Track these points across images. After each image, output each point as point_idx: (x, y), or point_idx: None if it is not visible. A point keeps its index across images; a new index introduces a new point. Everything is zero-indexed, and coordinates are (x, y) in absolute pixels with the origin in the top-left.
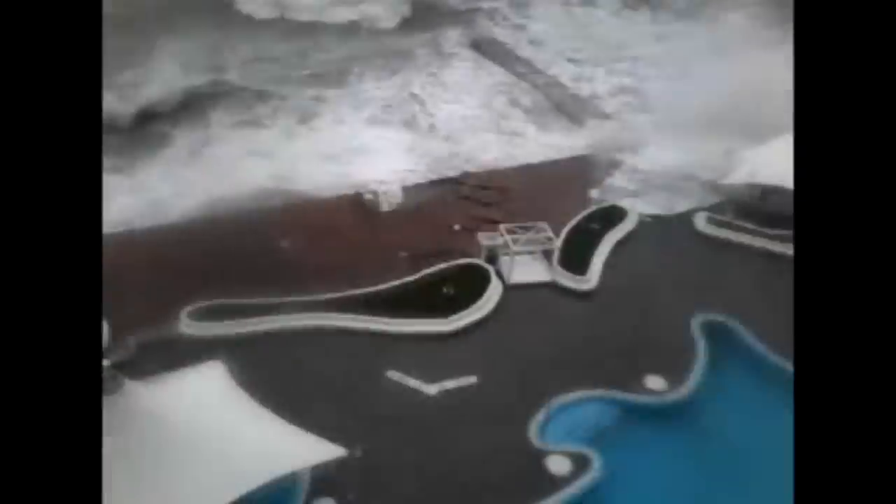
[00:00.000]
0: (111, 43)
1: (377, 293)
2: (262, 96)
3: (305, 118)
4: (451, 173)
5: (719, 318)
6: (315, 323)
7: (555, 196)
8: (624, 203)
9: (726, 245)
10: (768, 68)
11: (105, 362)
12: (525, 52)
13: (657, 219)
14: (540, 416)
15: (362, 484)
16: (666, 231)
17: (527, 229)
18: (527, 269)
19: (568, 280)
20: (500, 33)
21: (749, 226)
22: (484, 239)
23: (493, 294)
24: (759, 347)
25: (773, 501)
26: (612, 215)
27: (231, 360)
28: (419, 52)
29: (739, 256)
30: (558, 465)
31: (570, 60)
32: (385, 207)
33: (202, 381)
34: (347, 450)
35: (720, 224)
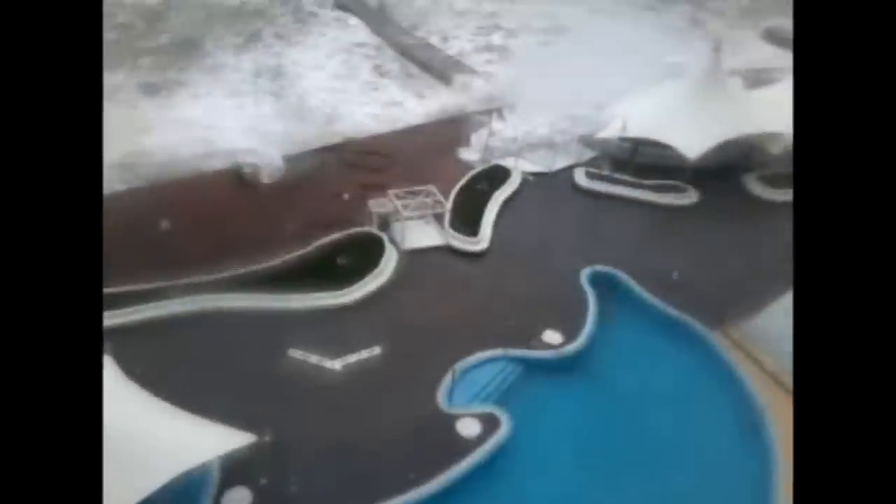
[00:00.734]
0: None
1: (269, 269)
2: (109, 68)
3: (159, 90)
4: (330, 141)
5: (606, 269)
6: (206, 306)
7: (437, 159)
8: (507, 162)
9: (606, 198)
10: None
11: None
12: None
13: (539, 176)
14: (446, 381)
15: (275, 468)
16: (549, 188)
17: (416, 194)
18: (419, 234)
19: (460, 242)
20: None
21: (626, 178)
22: (374, 206)
23: (388, 262)
24: (644, 294)
25: (667, 436)
26: (496, 175)
27: (119, 353)
28: (279, 12)
29: (618, 208)
30: (469, 427)
31: (436, 17)
32: (266, 180)
33: None
34: (256, 435)
35: (599, 178)
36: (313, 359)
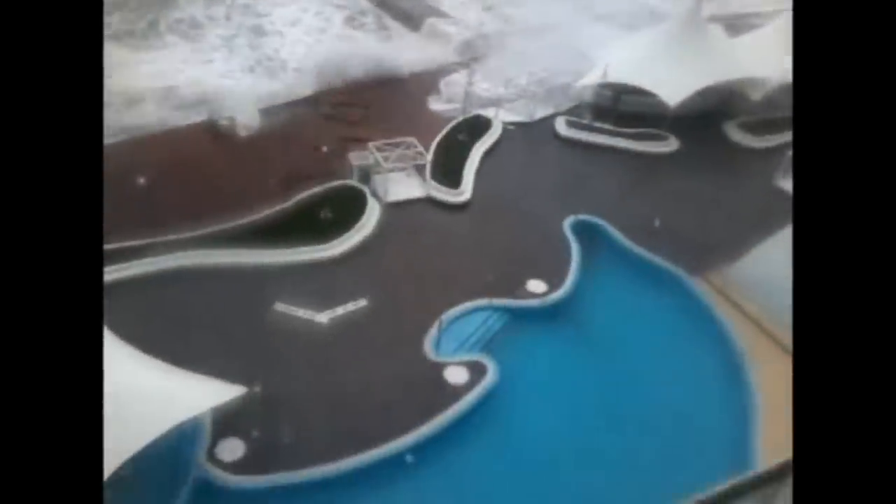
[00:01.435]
0: None
1: (250, 224)
2: None
3: (128, 43)
4: (305, 93)
5: (588, 217)
6: (190, 262)
7: (416, 110)
8: (487, 112)
9: (587, 146)
10: None
11: None
12: None
13: (520, 126)
14: (433, 331)
15: (266, 419)
16: (529, 138)
17: (396, 146)
18: (401, 186)
19: (443, 193)
20: None
21: (606, 126)
22: (355, 159)
23: (371, 214)
24: (625, 242)
25: (650, 380)
26: (477, 126)
27: (105, 311)
28: None
29: (599, 156)
30: (456, 375)
31: None
32: (243, 133)
33: None
34: (246, 388)
35: (580, 127)
36: (300, 312)
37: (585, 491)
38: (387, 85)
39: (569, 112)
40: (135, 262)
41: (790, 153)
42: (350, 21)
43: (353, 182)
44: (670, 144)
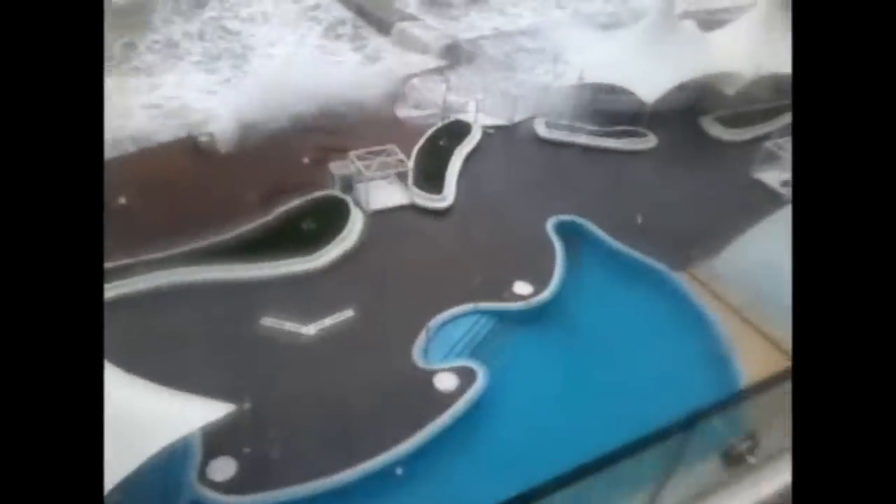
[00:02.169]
0: None
1: (233, 239)
2: None
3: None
4: (286, 106)
5: (571, 217)
6: (173, 280)
7: (395, 117)
8: (467, 117)
9: (567, 147)
10: None
11: None
12: None
13: (500, 129)
14: (421, 339)
15: (257, 436)
16: (510, 140)
17: (377, 154)
18: (384, 194)
19: (425, 200)
20: None
21: (585, 126)
22: (336, 168)
23: (355, 224)
24: (609, 240)
25: (639, 376)
26: (456, 130)
27: None
28: None
29: (580, 156)
30: (446, 381)
31: None
32: (222, 148)
33: None
34: (235, 405)
35: (559, 127)
36: (287, 325)
37: (578, 494)
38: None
39: (548, 113)
40: (118, 283)
41: (767, 144)
42: (327, 32)
43: (336, 192)
44: (649, 141)
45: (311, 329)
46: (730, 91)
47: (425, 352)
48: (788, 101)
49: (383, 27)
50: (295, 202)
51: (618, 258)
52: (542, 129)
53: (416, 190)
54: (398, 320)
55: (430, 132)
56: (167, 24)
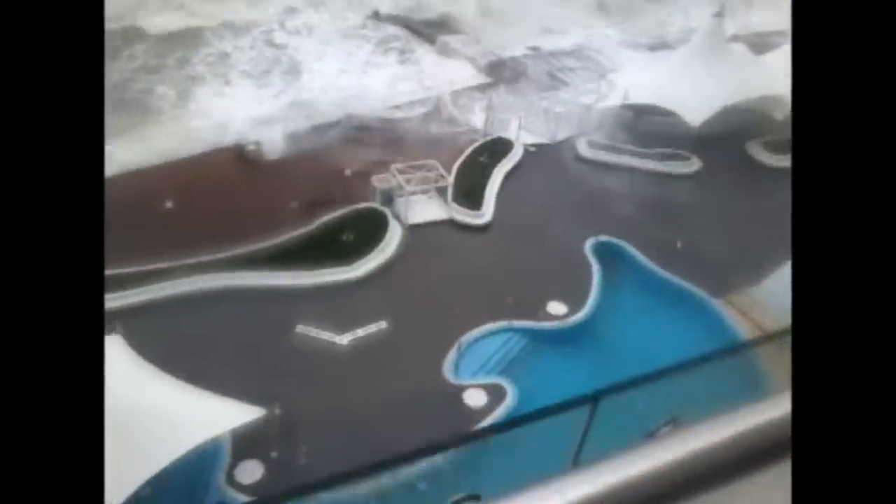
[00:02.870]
0: None
1: (274, 247)
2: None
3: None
4: (331, 118)
5: (609, 239)
6: (213, 284)
7: (439, 133)
8: (509, 134)
9: (609, 167)
10: None
11: None
12: None
13: (541, 147)
14: (452, 354)
15: (285, 441)
16: (551, 159)
17: (418, 168)
18: (423, 208)
19: (464, 216)
20: None
21: (628, 147)
22: (377, 182)
23: (393, 236)
24: (648, 264)
25: (672, 403)
26: (498, 148)
27: (129, 332)
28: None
29: (621, 177)
30: (475, 398)
31: None
32: (268, 157)
33: None
34: (265, 409)
35: (601, 148)
36: (320, 334)
37: None
38: (411, 109)
39: (591, 133)
40: (160, 285)
41: None
42: (376, 48)
43: (376, 205)
44: (693, 164)
45: (344, 339)
46: (779, 116)
47: (456, 367)
48: None
49: (430, 42)
50: (336, 213)
51: (655, 282)
52: (584, 149)
53: (454, 205)
54: (431, 334)
55: (471, 148)
56: (219, 39)
